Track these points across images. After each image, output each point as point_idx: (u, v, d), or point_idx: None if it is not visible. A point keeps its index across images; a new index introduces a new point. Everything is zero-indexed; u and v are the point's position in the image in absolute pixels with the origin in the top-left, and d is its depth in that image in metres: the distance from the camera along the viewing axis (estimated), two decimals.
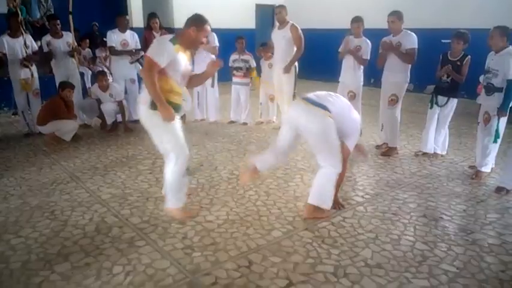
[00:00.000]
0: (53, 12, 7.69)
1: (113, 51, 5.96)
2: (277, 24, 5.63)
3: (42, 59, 5.80)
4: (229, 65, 6.22)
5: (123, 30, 5.93)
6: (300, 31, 5.37)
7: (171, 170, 2.98)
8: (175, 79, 2.89)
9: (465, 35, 4.23)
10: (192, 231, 2.93)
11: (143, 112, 2.92)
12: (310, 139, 3.04)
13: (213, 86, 6.17)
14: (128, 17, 6.00)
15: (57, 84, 5.55)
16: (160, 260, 2.58)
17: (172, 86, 2.88)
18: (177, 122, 2.98)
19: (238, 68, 6.16)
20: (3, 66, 5.79)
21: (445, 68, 4.30)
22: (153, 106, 2.81)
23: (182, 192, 3.10)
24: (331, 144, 2.93)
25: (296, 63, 5.50)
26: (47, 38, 5.74)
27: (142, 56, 6.00)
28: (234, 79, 6.24)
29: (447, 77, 4.34)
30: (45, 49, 5.72)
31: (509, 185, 3.70)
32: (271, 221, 3.11)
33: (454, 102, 4.42)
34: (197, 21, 2.89)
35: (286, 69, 5.38)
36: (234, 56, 6.20)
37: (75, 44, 5.92)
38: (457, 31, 4.31)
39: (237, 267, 2.51)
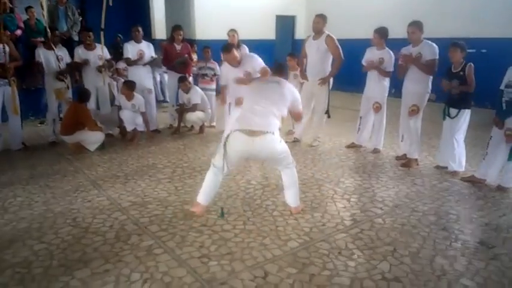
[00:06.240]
0: (79, 24, 7.94)
1: (129, 62, 6.16)
2: (312, 34, 5.40)
3: (72, 69, 5.95)
4: (195, 72, 6.86)
5: (138, 41, 6.12)
6: (336, 41, 5.19)
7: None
8: None
9: (460, 44, 4.17)
10: (209, 240, 2.96)
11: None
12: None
13: None
14: (139, 28, 6.12)
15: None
16: (177, 268, 2.61)
17: None
18: None
19: (204, 75, 6.73)
20: (37, 75, 6.10)
21: (448, 85, 4.23)
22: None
23: None
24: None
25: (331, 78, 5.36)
26: (79, 49, 5.86)
27: (154, 59, 6.33)
28: (201, 85, 6.68)
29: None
30: (77, 59, 5.84)
31: None
32: (287, 231, 3.11)
33: (466, 114, 4.25)
34: None
35: (324, 81, 5.24)
36: (200, 64, 6.83)
37: (104, 59, 5.91)
38: (452, 42, 4.23)
39: (253, 277, 2.51)
